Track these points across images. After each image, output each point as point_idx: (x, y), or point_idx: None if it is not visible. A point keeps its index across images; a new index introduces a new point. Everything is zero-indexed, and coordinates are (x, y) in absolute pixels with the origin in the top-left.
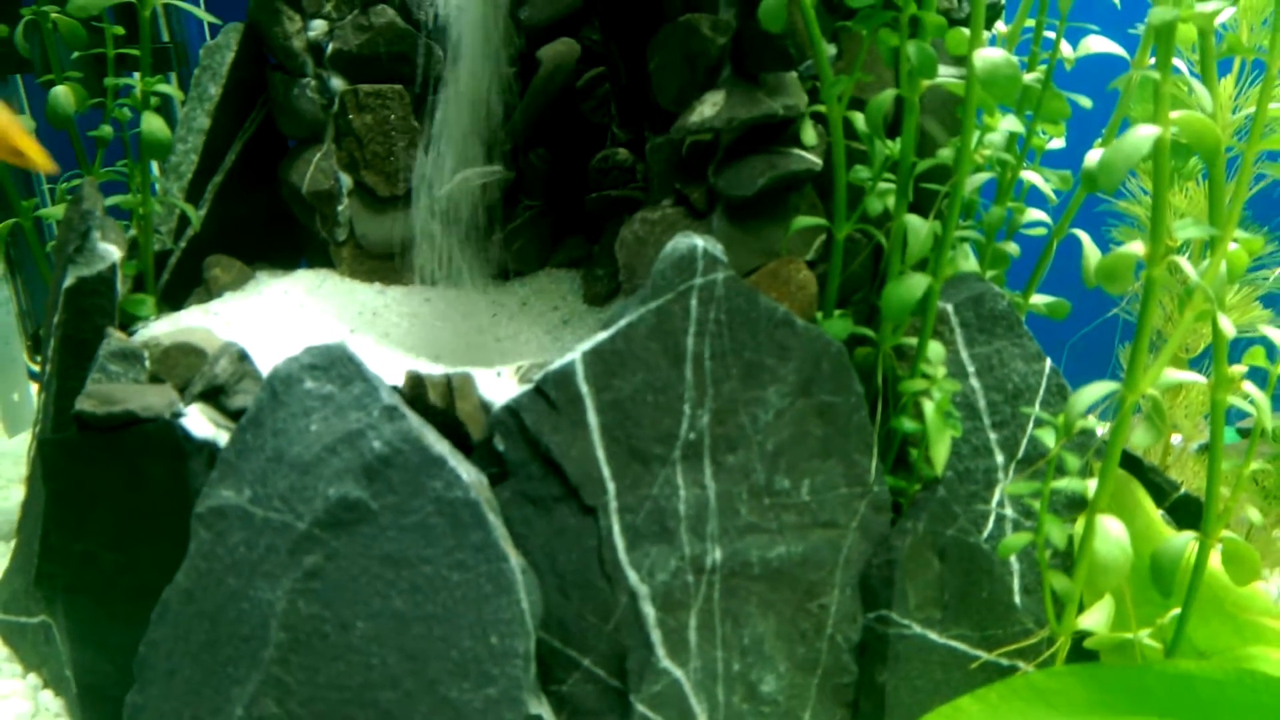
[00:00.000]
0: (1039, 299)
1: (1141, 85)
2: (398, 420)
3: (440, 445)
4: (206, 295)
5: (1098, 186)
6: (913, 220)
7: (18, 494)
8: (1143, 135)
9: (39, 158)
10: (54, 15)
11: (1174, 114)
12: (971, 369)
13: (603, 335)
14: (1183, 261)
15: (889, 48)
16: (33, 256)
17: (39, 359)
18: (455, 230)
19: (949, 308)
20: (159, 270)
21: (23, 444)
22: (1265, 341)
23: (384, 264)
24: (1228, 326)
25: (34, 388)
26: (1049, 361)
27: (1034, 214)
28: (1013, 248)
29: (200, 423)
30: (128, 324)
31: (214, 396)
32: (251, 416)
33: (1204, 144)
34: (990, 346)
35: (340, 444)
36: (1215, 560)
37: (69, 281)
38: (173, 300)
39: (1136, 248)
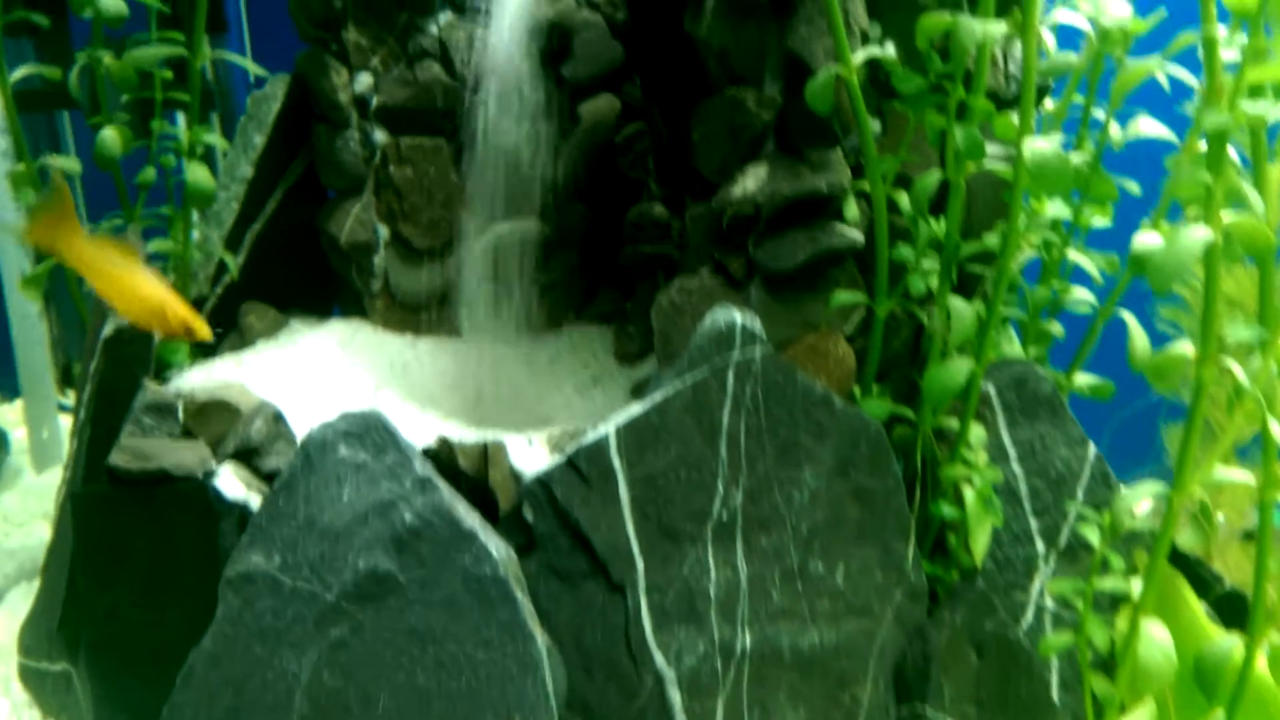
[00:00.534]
0: (1083, 379)
1: (1190, 178)
2: (430, 492)
3: (471, 519)
4: (241, 342)
5: (1145, 273)
6: (956, 304)
7: (41, 530)
8: (1195, 239)
9: (201, 329)
10: (107, 60)
11: (1226, 217)
12: (1013, 453)
13: (637, 409)
14: (1233, 364)
15: (935, 130)
16: (68, 290)
17: (69, 392)
18: (489, 283)
19: (991, 389)
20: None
21: (50, 480)
22: None
23: (416, 315)
24: (1239, 474)
25: (62, 419)
26: (1092, 447)
27: (1080, 293)
28: (1057, 328)
29: (232, 483)
30: (162, 370)
31: (247, 457)
32: (284, 482)
33: (1256, 247)
34: (1033, 430)
35: (371, 513)
36: (1262, 663)
37: (108, 331)
38: (206, 345)
39: (1186, 348)
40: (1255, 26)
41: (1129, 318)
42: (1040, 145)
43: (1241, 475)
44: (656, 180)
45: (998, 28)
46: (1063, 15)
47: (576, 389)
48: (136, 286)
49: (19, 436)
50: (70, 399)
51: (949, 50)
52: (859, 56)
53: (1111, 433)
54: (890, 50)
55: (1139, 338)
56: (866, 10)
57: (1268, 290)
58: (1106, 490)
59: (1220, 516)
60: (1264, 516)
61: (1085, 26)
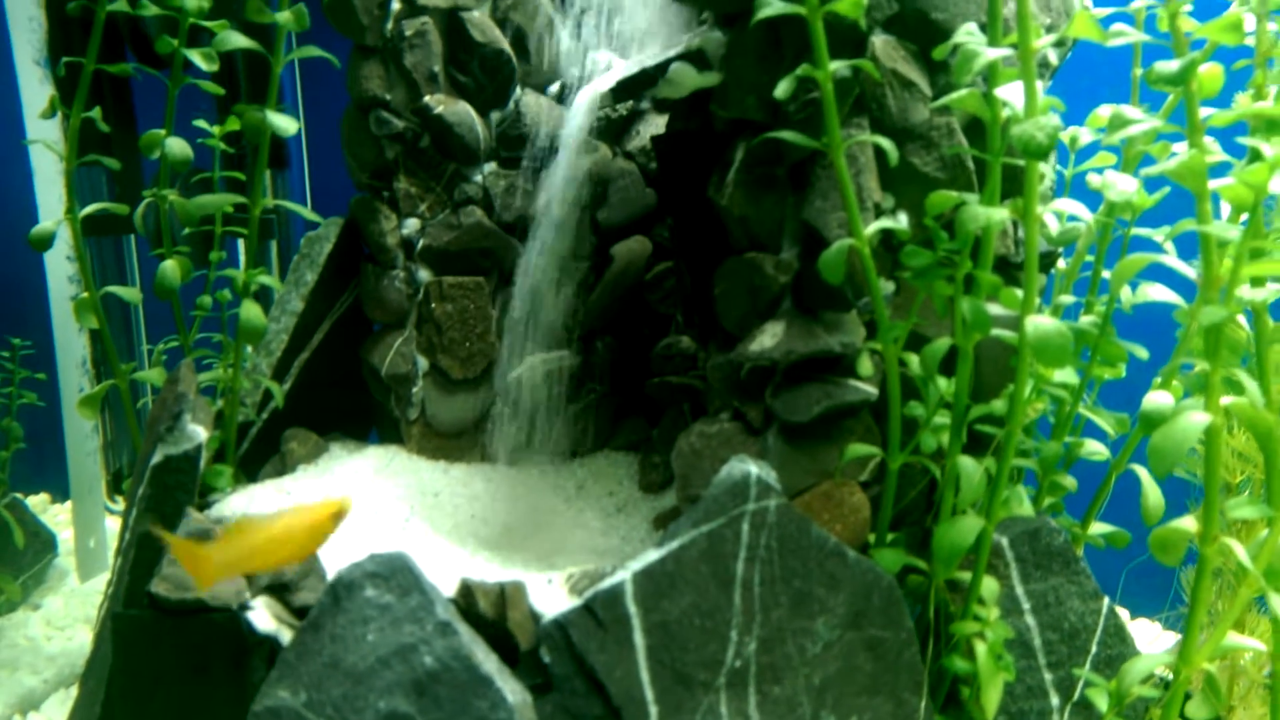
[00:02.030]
0: (1098, 528)
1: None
2: (450, 636)
3: (489, 663)
4: (282, 465)
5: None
6: (965, 463)
7: (83, 635)
8: (1194, 422)
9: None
10: (172, 198)
11: (1225, 401)
12: (1027, 605)
13: (654, 555)
14: (1235, 545)
15: (944, 299)
16: (120, 400)
17: (118, 498)
18: (522, 412)
19: (1004, 541)
20: (239, 439)
21: (94, 586)
22: None
23: (450, 442)
24: (1253, 642)
25: (110, 522)
26: (1106, 601)
27: (1092, 445)
28: (1070, 481)
29: (264, 617)
30: (206, 493)
31: (280, 591)
32: (313, 619)
33: (1257, 430)
34: (1046, 583)
35: (394, 656)
36: None
37: (157, 459)
38: (250, 468)
39: (1189, 524)
40: (1254, 219)
41: (1142, 473)
42: (1042, 321)
43: (1252, 643)
44: (684, 319)
45: (1000, 213)
46: (1066, 204)
47: (601, 516)
48: (282, 522)
49: (66, 538)
50: (118, 504)
51: (955, 227)
52: (871, 229)
53: (1128, 578)
54: (903, 221)
55: (1152, 493)
56: (881, 183)
57: (1274, 471)
58: (1121, 644)
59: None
60: (1276, 691)
61: (1086, 216)
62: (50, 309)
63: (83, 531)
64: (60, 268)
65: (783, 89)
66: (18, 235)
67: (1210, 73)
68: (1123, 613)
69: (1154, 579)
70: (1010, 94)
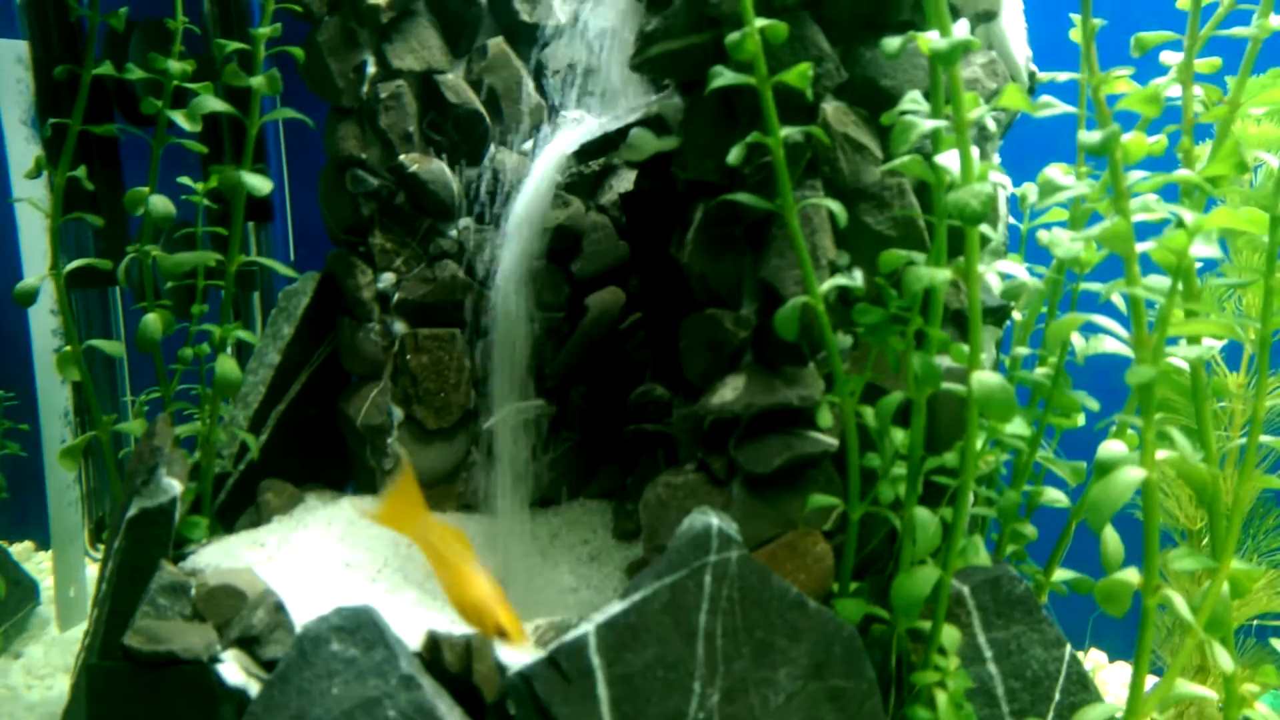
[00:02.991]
0: (1062, 574)
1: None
2: (413, 690)
3: (452, 717)
4: (258, 516)
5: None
6: (921, 514)
7: (62, 684)
8: (1130, 478)
9: (516, 635)
10: (155, 253)
11: (1161, 455)
12: (989, 654)
13: (617, 608)
14: (1176, 597)
15: (896, 354)
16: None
17: (99, 546)
18: (497, 461)
19: (965, 590)
20: (216, 490)
21: (73, 635)
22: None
23: (426, 492)
24: (1226, 662)
25: (90, 569)
26: (1069, 648)
27: (1052, 493)
28: (1030, 530)
29: (233, 670)
30: (181, 545)
31: (249, 645)
32: (280, 673)
33: (1193, 483)
34: (1008, 631)
35: (358, 710)
36: None
37: (132, 511)
38: (226, 519)
39: (1132, 576)
40: (1187, 281)
41: (1108, 530)
42: (987, 377)
43: (1204, 691)
44: (655, 369)
45: (943, 274)
46: (1006, 265)
47: (573, 566)
48: (468, 584)
49: (48, 586)
50: (99, 554)
51: (902, 286)
52: (825, 286)
53: (1096, 624)
54: (858, 277)
55: (1111, 540)
56: (836, 240)
57: (1217, 525)
58: (1084, 691)
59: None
60: None
61: (1024, 275)
62: (34, 361)
63: (63, 580)
64: (44, 321)
65: (734, 155)
66: (1, 291)
67: (1135, 140)
68: (1100, 655)
69: (1132, 621)
70: (949, 161)
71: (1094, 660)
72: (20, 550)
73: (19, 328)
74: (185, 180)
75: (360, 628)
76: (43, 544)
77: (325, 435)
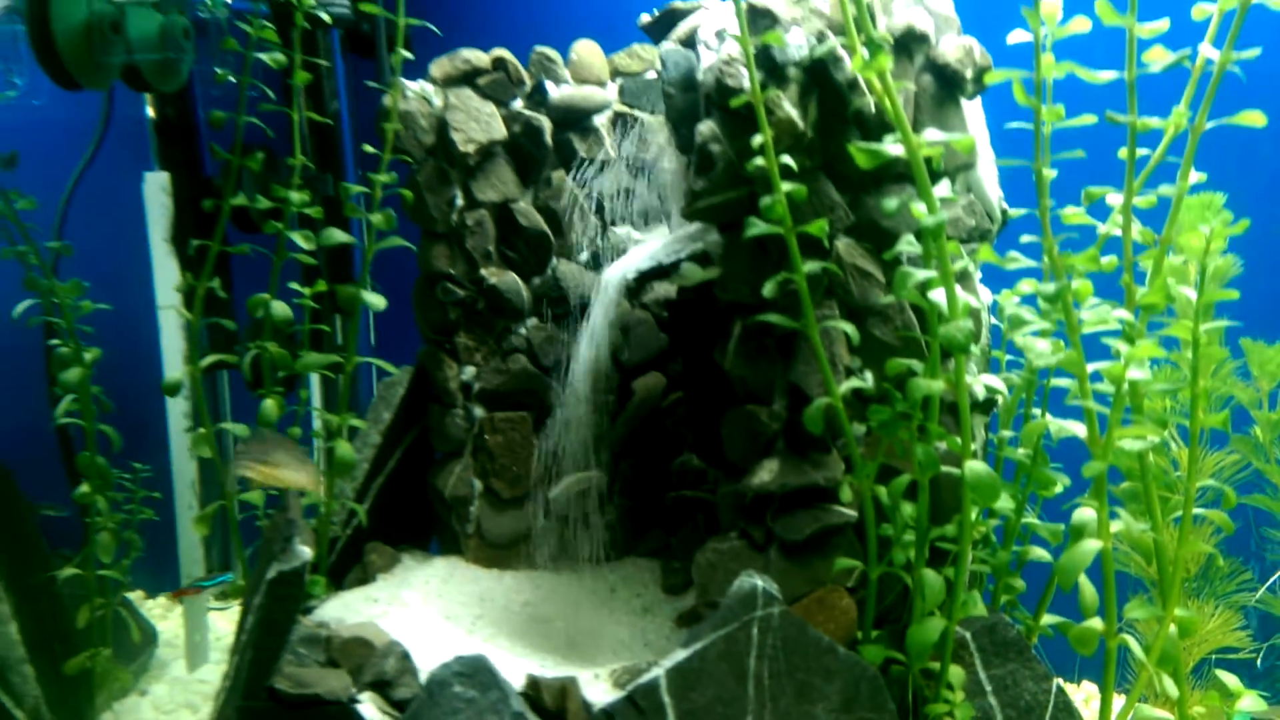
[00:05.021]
0: (1049, 619)
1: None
2: None
3: None
4: (364, 574)
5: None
6: (928, 574)
7: (186, 718)
8: (1089, 548)
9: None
10: (272, 349)
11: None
12: (989, 688)
13: (682, 654)
14: (1130, 640)
15: (903, 443)
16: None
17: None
18: (560, 525)
19: (968, 635)
20: (329, 552)
21: (199, 676)
22: None
23: (501, 552)
24: (1173, 689)
25: (210, 618)
26: (1056, 681)
27: (1037, 552)
28: (1019, 583)
29: (371, 709)
30: (305, 600)
31: (381, 688)
32: (412, 712)
33: (1141, 550)
34: (1004, 669)
35: None
36: None
37: (271, 573)
38: (336, 576)
39: (1097, 624)
40: (1131, 393)
41: (1083, 580)
42: (976, 465)
43: (1160, 713)
44: (693, 439)
45: (938, 384)
46: (988, 379)
47: (630, 616)
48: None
49: (161, 629)
50: (220, 603)
51: (906, 390)
52: (843, 388)
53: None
54: (869, 379)
55: (1087, 590)
56: (850, 349)
57: (1162, 578)
58: (1068, 716)
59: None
60: None
61: (1001, 386)
62: (170, 439)
63: (191, 627)
64: (177, 405)
65: (769, 289)
66: (145, 381)
67: (1083, 287)
68: (1092, 687)
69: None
70: (939, 298)
71: (1086, 691)
72: (136, 598)
73: (158, 411)
74: (294, 285)
75: (477, 672)
76: (151, 592)
77: (415, 504)
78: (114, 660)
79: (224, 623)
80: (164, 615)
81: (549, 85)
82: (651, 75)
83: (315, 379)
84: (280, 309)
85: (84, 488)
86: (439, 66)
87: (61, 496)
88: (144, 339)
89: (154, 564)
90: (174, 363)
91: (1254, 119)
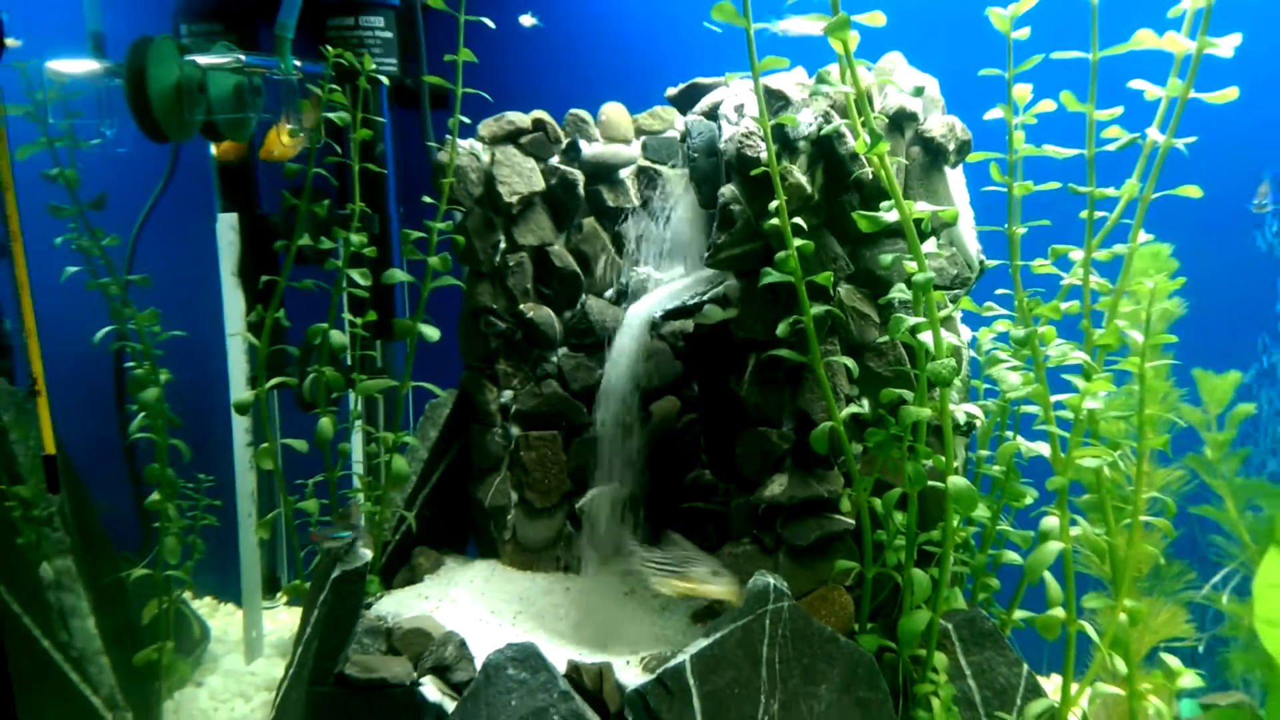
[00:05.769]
0: (1020, 613)
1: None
2: (570, 701)
3: None
4: (411, 574)
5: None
6: (916, 574)
7: (241, 706)
8: (1051, 549)
9: None
10: (328, 373)
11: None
12: (969, 672)
13: (704, 642)
14: (1087, 626)
15: (894, 461)
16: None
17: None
18: (588, 532)
19: (950, 626)
20: (380, 555)
21: (255, 669)
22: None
23: (534, 556)
24: (1122, 667)
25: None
26: (1026, 666)
27: (1010, 555)
28: (994, 582)
29: (432, 691)
30: (365, 597)
31: (441, 672)
32: (472, 691)
33: (1096, 551)
34: (981, 655)
35: (531, 715)
36: None
37: (336, 573)
38: (386, 577)
39: (1060, 613)
40: (1089, 421)
41: (1048, 578)
42: (957, 480)
43: (1112, 689)
44: (706, 456)
45: (925, 412)
46: (967, 408)
47: (649, 614)
48: None
49: (210, 626)
50: (270, 602)
51: (898, 416)
52: (844, 413)
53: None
54: (865, 406)
55: (1052, 587)
56: (849, 380)
57: (1116, 574)
58: (1036, 696)
59: (1153, 713)
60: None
61: (978, 413)
62: (234, 452)
63: (249, 624)
64: (240, 421)
65: (782, 329)
66: (213, 402)
67: (1048, 331)
68: (1059, 679)
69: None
70: (926, 339)
71: (1054, 683)
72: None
73: (223, 428)
74: (347, 316)
75: (528, 657)
76: (199, 593)
77: (456, 512)
78: (174, 654)
79: (269, 622)
80: (211, 614)
81: (582, 143)
82: (671, 133)
83: (352, 398)
84: (338, 337)
85: (155, 496)
86: (486, 127)
87: (122, 503)
88: (206, 363)
89: (215, 567)
90: (238, 384)
91: (1192, 191)
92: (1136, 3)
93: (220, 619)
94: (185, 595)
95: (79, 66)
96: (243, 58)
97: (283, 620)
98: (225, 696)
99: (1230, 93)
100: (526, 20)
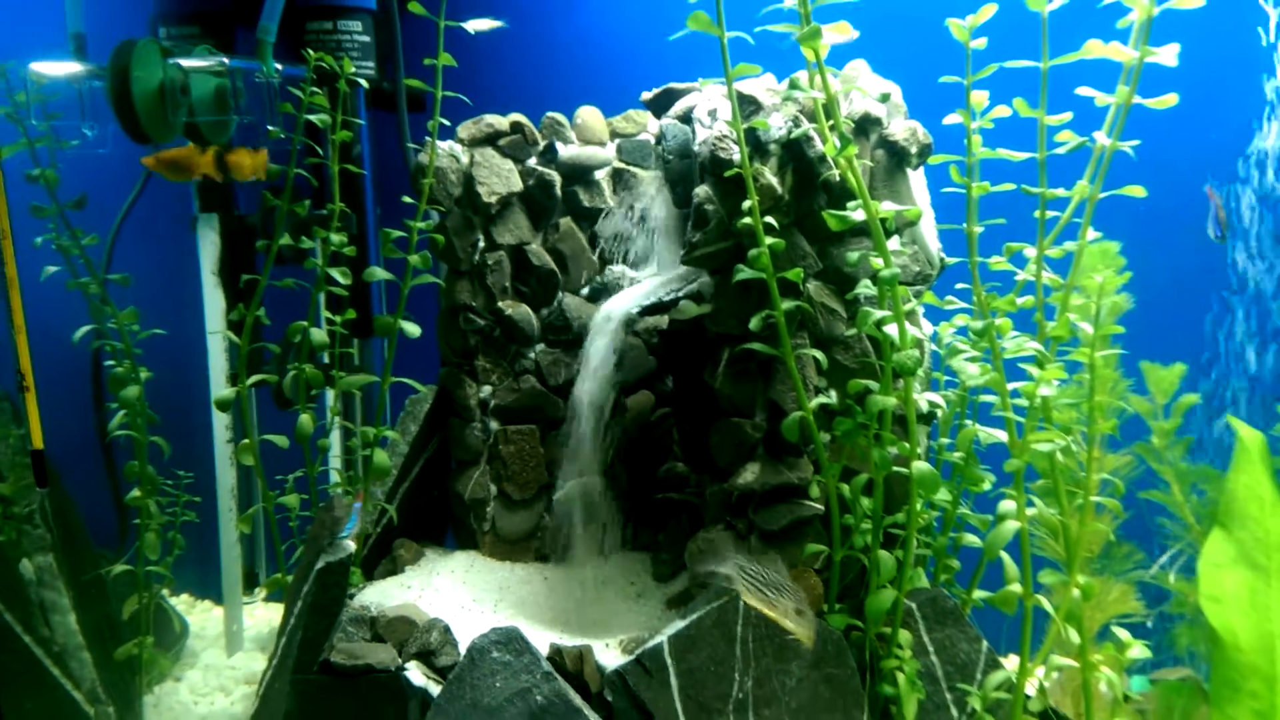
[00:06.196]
0: (979, 593)
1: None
2: (552, 681)
3: (578, 700)
4: (392, 566)
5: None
6: (882, 555)
7: (220, 700)
8: (1009, 528)
9: None
10: (308, 370)
11: (1030, 510)
12: (931, 648)
13: (681, 624)
14: (1043, 600)
15: (861, 449)
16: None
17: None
18: (564, 523)
19: (914, 605)
20: (361, 547)
21: (235, 662)
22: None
23: (513, 547)
24: (1075, 638)
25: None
26: (985, 642)
27: (970, 538)
28: (955, 563)
29: (417, 675)
30: (349, 588)
31: (425, 657)
32: (457, 674)
33: (1050, 528)
34: (944, 633)
35: (515, 696)
36: None
37: (320, 564)
38: (367, 569)
39: (1017, 588)
40: (1043, 407)
41: (1005, 557)
42: (921, 465)
43: (1067, 661)
44: (679, 449)
45: (890, 400)
46: (930, 396)
47: (625, 601)
48: None
49: (188, 622)
50: (250, 597)
51: (864, 405)
52: (813, 404)
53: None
54: (834, 396)
55: (1010, 567)
56: (818, 372)
57: (1070, 552)
58: (995, 670)
59: (1105, 685)
60: (1085, 689)
61: (941, 401)
62: (214, 449)
63: (229, 618)
64: (220, 418)
65: (755, 324)
66: (194, 399)
67: (1004, 323)
68: (1016, 659)
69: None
70: (891, 332)
71: (1013, 663)
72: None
73: (204, 424)
74: (325, 314)
75: (511, 640)
76: (176, 590)
77: (435, 505)
78: (154, 649)
79: (248, 617)
80: (189, 610)
81: (558, 145)
82: (645, 136)
83: (330, 394)
84: (319, 335)
85: (135, 493)
86: (465, 129)
87: (100, 500)
88: (186, 361)
89: (193, 564)
90: (218, 382)
91: (1136, 191)
92: (1088, 14)
93: (198, 615)
94: (164, 592)
95: (60, 68)
96: (225, 61)
97: (261, 616)
98: (205, 690)
99: (1170, 98)
100: (480, 25)
